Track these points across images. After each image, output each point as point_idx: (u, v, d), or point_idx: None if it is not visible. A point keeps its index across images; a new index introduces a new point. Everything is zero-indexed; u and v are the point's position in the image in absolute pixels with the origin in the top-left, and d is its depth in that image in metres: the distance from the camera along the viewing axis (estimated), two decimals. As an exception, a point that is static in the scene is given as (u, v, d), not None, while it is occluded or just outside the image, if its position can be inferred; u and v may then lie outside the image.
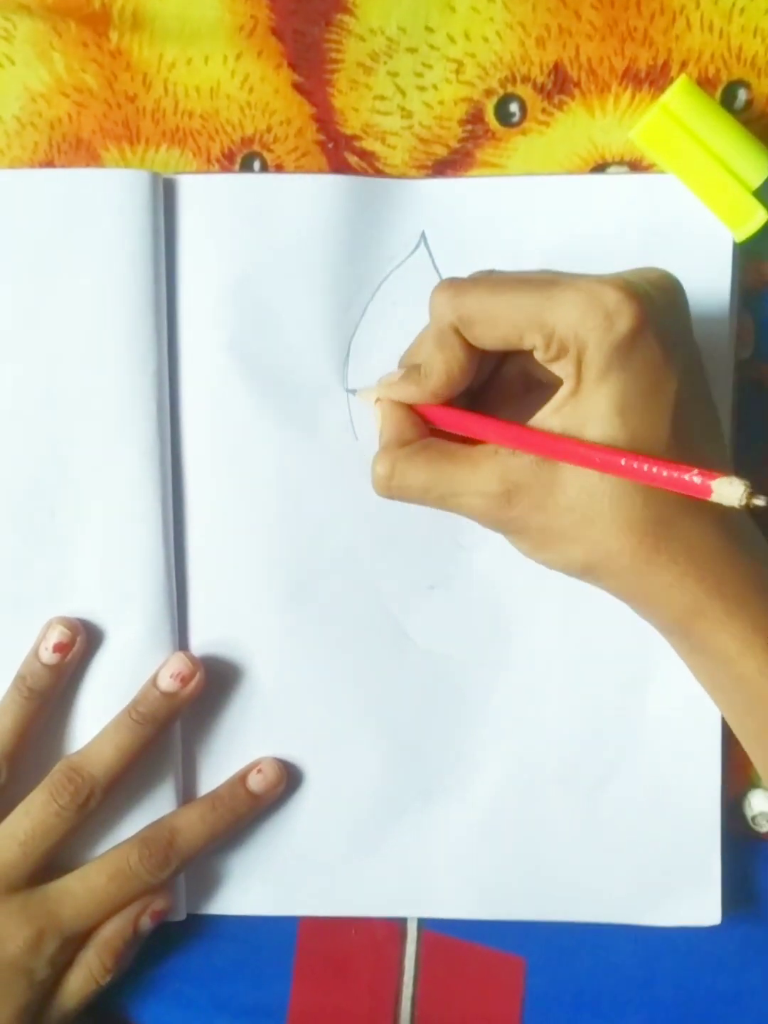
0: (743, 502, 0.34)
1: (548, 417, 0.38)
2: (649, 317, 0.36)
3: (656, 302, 0.37)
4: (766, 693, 0.38)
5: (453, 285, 0.39)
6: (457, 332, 0.39)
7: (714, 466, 0.36)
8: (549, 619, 0.46)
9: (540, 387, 0.40)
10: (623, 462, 0.36)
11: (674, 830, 0.45)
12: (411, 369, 0.41)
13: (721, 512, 0.36)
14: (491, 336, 0.38)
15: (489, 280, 0.39)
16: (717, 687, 0.41)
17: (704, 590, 0.38)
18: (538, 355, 0.38)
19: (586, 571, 0.39)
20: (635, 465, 0.36)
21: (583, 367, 0.36)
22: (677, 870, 0.46)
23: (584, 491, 0.37)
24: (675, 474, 0.35)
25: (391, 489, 0.40)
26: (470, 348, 0.39)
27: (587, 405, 0.37)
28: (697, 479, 0.35)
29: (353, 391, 0.45)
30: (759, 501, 0.34)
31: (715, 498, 0.34)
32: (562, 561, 0.39)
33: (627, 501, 0.37)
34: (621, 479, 0.36)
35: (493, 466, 0.38)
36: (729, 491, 0.34)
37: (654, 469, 0.35)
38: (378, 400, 0.42)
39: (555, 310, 0.36)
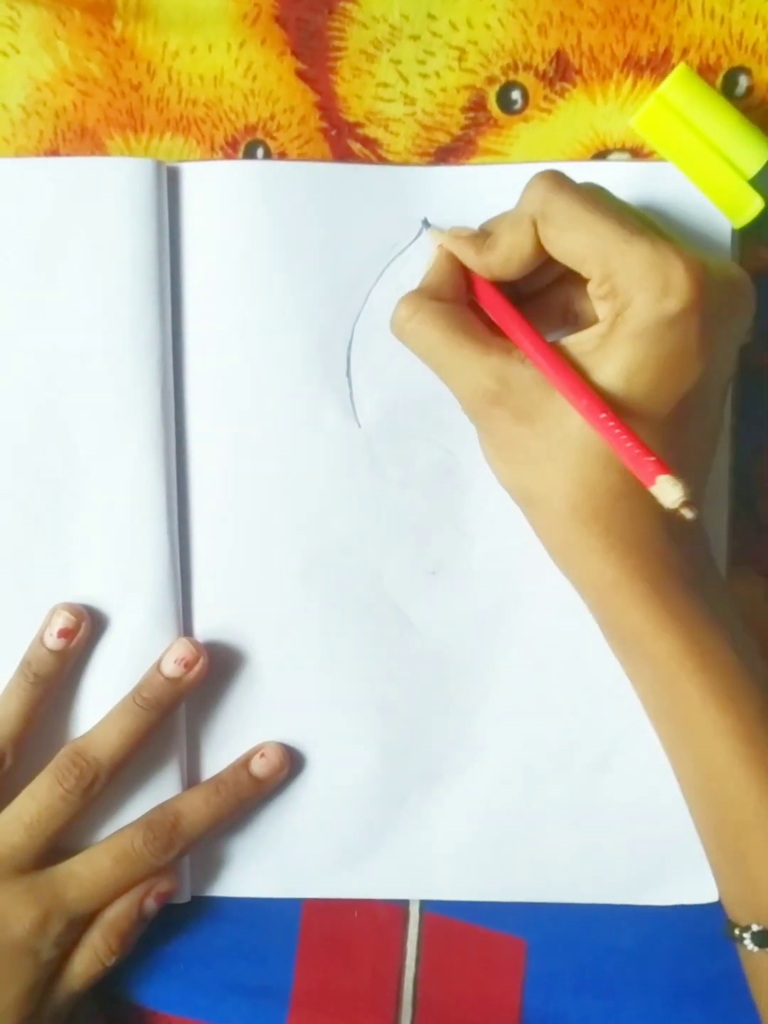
0: (674, 505, 0.34)
1: (570, 343, 0.39)
2: (702, 309, 0.36)
3: (718, 299, 0.37)
4: (674, 675, 0.39)
5: (555, 180, 0.39)
6: (534, 224, 0.39)
7: (689, 472, 0.36)
8: (548, 604, 0.46)
9: (577, 322, 0.41)
10: (602, 416, 0.36)
11: (671, 811, 0.45)
12: (480, 234, 0.42)
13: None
14: (560, 247, 0.38)
15: (589, 195, 0.39)
16: (629, 662, 0.41)
17: (625, 568, 0.38)
18: (591, 287, 0.38)
19: (527, 500, 0.40)
20: (610, 423, 0.36)
21: (620, 319, 0.37)
22: (674, 850, 0.46)
23: (561, 428, 0.38)
24: (636, 450, 0.36)
25: (404, 332, 0.41)
26: (538, 243, 0.39)
27: (607, 354, 0.37)
28: (650, 466, 0.35)
29: (427, 224, 0.45)
30: (689, 513, 0.34)
31: (653, 490, 0.35)
32: (511, 479, 0.40)
33: (592, 458, 0.38)
34: (595, 436, 0.37)
35: (498, 363, 0.39)
36: (669, 490, 0.35)
37: (622, 436, 0.36)
38: (440, 246, 0.42)
39: (624, 255, 0.37)
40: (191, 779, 0.47)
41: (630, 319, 0.37)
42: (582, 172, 0.45)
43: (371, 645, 0.46)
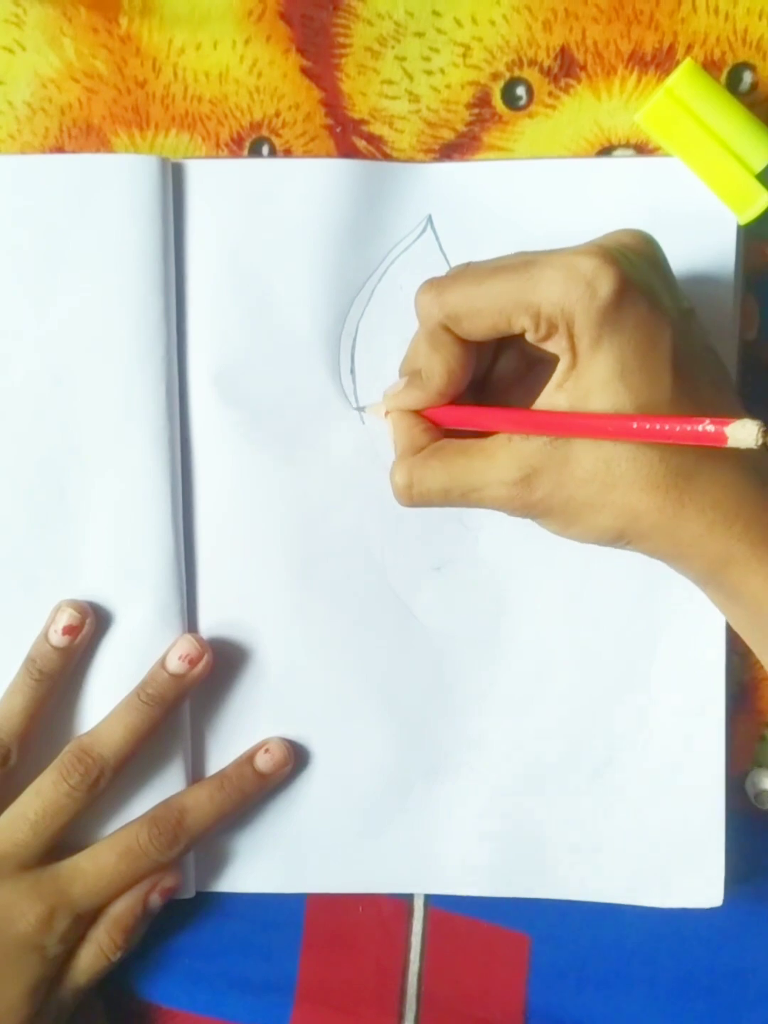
0: (759, 442, 0.33)
1: (552, 395, 0.38)
2: (629, 276, 0.36)
3: (633, 261, 0.37)
4: None
5: (435, 285, 0.39)
6: (448, 330, 0.39)
7: (724, 411, 0.36)
8: (554, 599, 0.46)
9: (541, 363, 0.40)
10: (635, 425, 0.36)
11: (678, 810, 0.45)
12: (413, 375, 0.41)
13: (741, 456, 0.35)
14: (480, 327, 0.38)
15: (468, 272, 0.39)
16: (756, 633, 0.40)
17: (734, 536, 0.37)
18: (529, 336, 0.38)
19: (618, 537, 0.39)
20: (647, 426, 0.35)
21: (575, 339, 0.37)
22: (680, 851, 0.46)
23: (599, 460, 0.37)
24: (688, 427, 0.35)
25: (413, 497, 0.40)
26: (464, 343, 0.39)
27: (587, 376, 0.37)
28: (710, 428, 0.34)
29: (362, 409, 0.45)
30: None
31: (731, 444, 0.34)
32: (593, 532, 0.39)
33: (644, 460, 0.37)
34: (629, 444, 0.37)
35: (508, 454, 0.38)
36: (744, 434, 0.33)
37: (666, 426, 0.35)
38: (388, 412, 0.42)
39: (537, 289, 0.37)
40: (195, 775, 0.47)
41: (583, 333, 0.36)
42: (586, 169, 0.45)
43: (375, 641, 0.46)
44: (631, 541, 0.39)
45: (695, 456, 0.37)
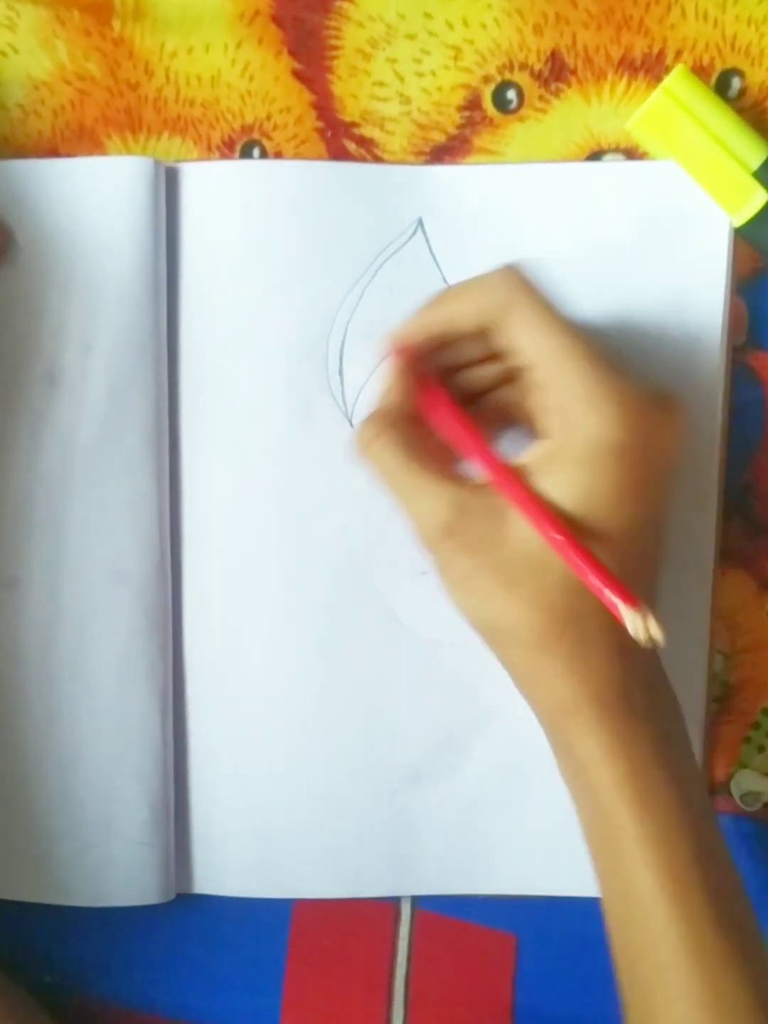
0: (640, 636, 0.35)
1: (522, 462, 0.39)
2: (640, 447, 0.37)
3: (664, 429, 0.38)
4: (609, 804, 0.38)
5: (525, 276, 0.39)
6: (484, 304, 0.39)
7: (646, 586, 0.39)
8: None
9: (526, 422, 0.41)
10: (571, 552, 0.36)
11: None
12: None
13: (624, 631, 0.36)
14: (522, 341, 0.38)
15: (552, 311, 0.38)
16: (574, 787, 0.41)
17: (585, 692, 0.38)
18: (539, 396, 0.39)
19: (491, 632, 0.40)
20: (574, 557, 0.36)
21: (569, 442, 0.37)
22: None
23: (519, 555, 0.38)
24: (603, 587, 0.36)
25: (368, 452, 0.40)
26: (477, 320, 0.39)
27: (561, 473, 0.38)
28: (616, 598, 0.36)
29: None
30: (656, 643, 0.35)
31: (625, 619, 0.36)
32: (475, 613, 0.40)
33: (552, 583, 0.37)
34: (552, 560, 0.37)
35: (453, 492, 0.38)
36: (636, 622, 0.35)
37: (594, 573, 0.36)
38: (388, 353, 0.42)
39: (580, 375, 0.37)
40: (177, 775, 0.46)
41: (580, 443, 0.37)
42: (576, 173, 0.45)
43: (359, 644, 0.46)
44: (500, 644, 0.40)
45: (591, 604, 0.37)
